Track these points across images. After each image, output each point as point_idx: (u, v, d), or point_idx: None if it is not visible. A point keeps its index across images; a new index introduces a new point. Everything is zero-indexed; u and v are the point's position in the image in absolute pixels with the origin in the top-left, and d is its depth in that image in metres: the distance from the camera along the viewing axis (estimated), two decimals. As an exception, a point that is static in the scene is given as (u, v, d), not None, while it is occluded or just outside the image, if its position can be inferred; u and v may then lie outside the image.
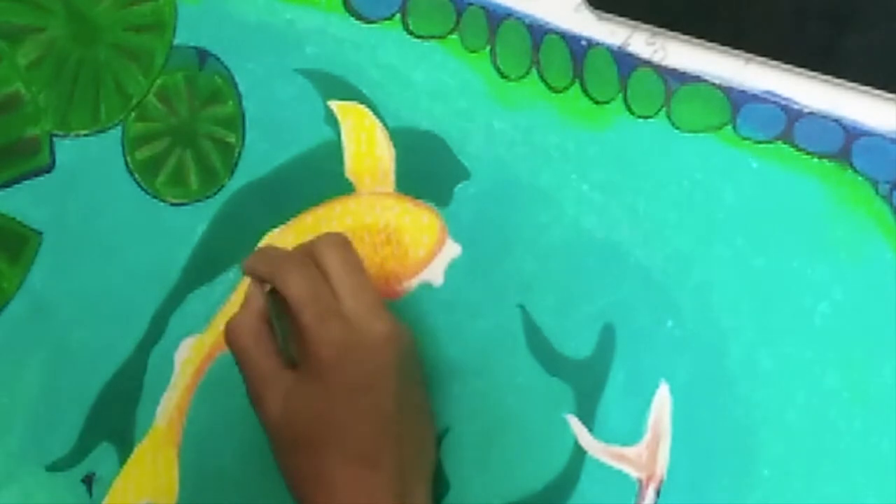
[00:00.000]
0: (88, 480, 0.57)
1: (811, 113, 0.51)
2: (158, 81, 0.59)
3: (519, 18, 0.55)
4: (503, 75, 0.55)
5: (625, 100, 0.54)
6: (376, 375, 0.49)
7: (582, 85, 0.54)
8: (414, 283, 0.56)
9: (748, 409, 0.51)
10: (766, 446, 0.50)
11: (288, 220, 0.57)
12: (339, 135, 0.57)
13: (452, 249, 0.56)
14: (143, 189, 0.58)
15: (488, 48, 0.56)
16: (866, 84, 0.50)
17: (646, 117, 0.53)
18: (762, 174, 0.52)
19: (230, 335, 0.51)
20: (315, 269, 0.51)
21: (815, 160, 0.51)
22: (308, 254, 0.51)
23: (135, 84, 0.59)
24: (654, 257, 0.53)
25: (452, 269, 0.55)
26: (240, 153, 0.58)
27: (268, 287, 0.52)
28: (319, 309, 0.49)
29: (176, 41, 0.59)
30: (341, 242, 0.52)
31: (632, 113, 0.54)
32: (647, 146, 0.53)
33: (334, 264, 0.51)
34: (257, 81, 0.58)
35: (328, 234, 0.52)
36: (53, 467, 0.57)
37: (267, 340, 0.51)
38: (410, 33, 0.57)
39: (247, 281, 0.57)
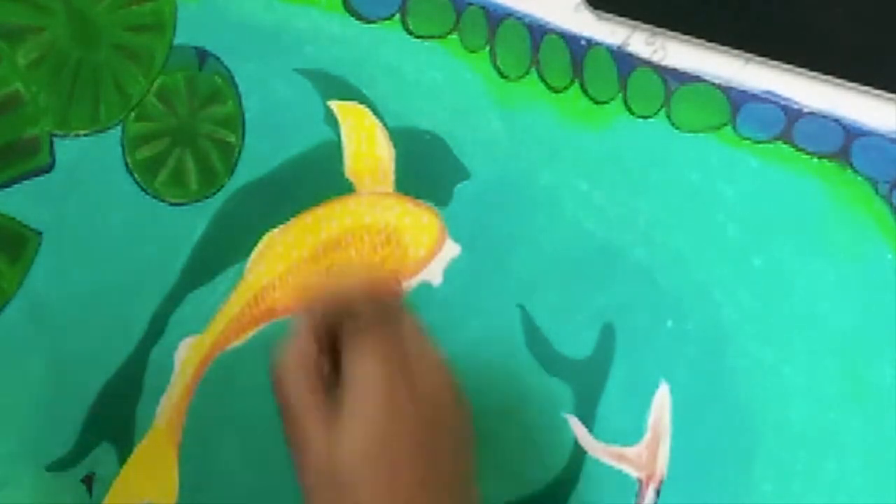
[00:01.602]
0: (88, 480, 0.57)
1: (811, 113, 0.51)
2: (158, 81, 0.59)
3: (519, 18, 0.55)
4: (503, 75, 0.55)
5: (624, 99, 0.54)
6: (432, 441, 0.47)
7: (581, 85, 0.54)
8: (413, 282, 0.56)
9: (748, 409, 0.51)
10: (766, 446, 0.50)
11: (288, 220, 0.57)
12: (338, 135, 0.57)
13: (452, 249, 0.56)
14: (142, 189, 0.58)
15: (488, 48, 0.56)
16: (866, 84, 0.50)
17: (645, 117, 0.53)
18: (762, 174, 0.52)
19: (275, 376, 0.48)
20: (386, 306, 0.48)
21: (815, 160, 0.51)
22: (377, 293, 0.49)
23: (134, 84, 0.59)
24: (654, 257, 0.53)
25: (452, 269, 0.55)
26: (239, 153, 0.58)
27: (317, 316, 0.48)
28: (381, 340, 0.47)
29: (176, 41, 0.59)
30: (407, 310, 0.49)
31: (631, 113, 0.54)
32: (646, 146, 0.53)
33: (404, 318, 0.48)
34: (257, 81, 0.58)
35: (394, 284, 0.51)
36: (53, 467, 0.57)
37: (315, 389, 0.47)
38: (410, 33, 0.57)
39: (248, 278, 0.57)
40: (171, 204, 0.58)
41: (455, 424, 0.48)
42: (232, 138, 0.58)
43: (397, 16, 0.57)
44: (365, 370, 0.47)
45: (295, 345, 0.48)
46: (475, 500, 0.50)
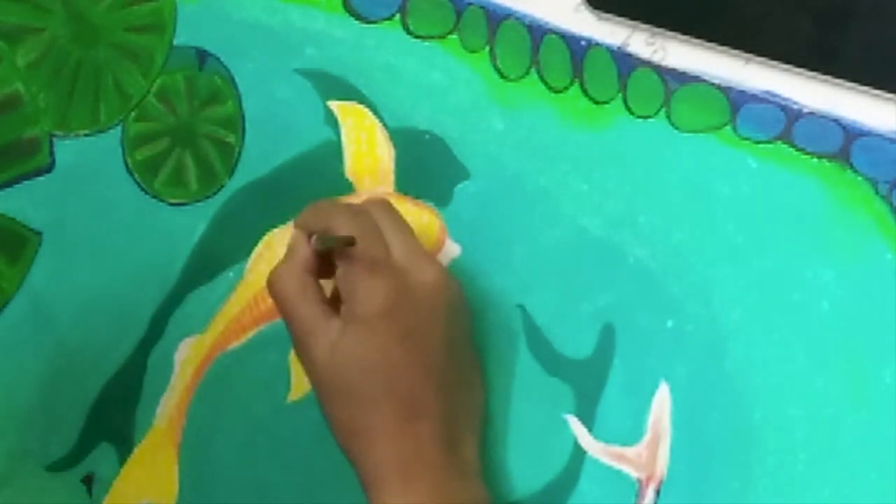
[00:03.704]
0: (88, 480, 0.57)
1: (810, 113, 0.51)
2: (158, 82, 0.59)
3: (518, 18, 0.55)
4: (503, 75, 0.55)
5: (624, 100, 0.54)
6: (426, 324, 0.50)
7: (581, 85, 0.54)
8: (414, 283, 0.55)
9: (748, 409, 0.51)
10: (766, 446, 0.50)
11: (288, 220, 0.57)
12: (338, 135, 0.57)
13: (452, 249, 0.56)
14: (142, 189, 0.58)
15: (488, 48, 0.56)
16: (866, 84, 0.50)
17: (645, 117, 0.53)
18: (762, 174, 0.52)
19: (274, 285, 0.51)
20: (369, 217, 0.51)
21: (815, 160, 0.51)
22: (359, 208, 0.52)
23: (134, 84, 0.59)
24: (654, 257, 0.53)
25: (452, 268, 0.55)
26: (239, 153, 0.58)
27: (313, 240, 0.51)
28: (372, 255, 0.50)
29: (176, 41, 0.59)
30: (389, 204, 0.53)
31: (631, 113, 0.54)
32: (646, 146, 0.53)
33: (385, 218, 0.52)
34: (257, 81, 0.58)
35: (376, 197, 0.54)
36: (53, 467, 0.57)
37: (313, 290, 0.50)
38: (410, 33, 0.57)
39: (249, 278, 0.57)
40: (171, 204, 0.58)
41: (447, 309, 0.51)
42: (232, 138, 0.58)
43: (397, 16, 0.57)
44: (362, 281, 0.49)
45: (290, 255, 0.51)
46: (472, 370, 0.53)
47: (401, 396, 0.49)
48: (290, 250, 0.51)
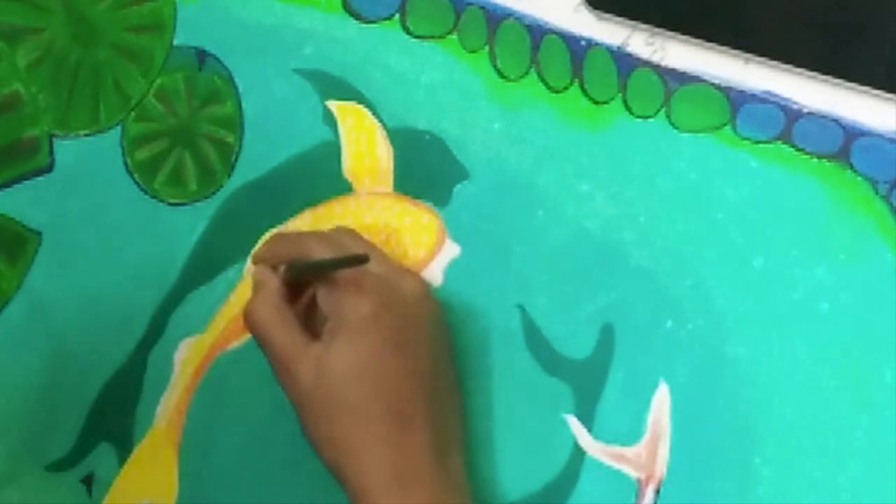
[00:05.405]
0: (88, 481, 0.58)
1: (810, 113, 0.51)
2: (158, 82, 0.59)
3: (518, 18, 0.55)
4: (502, 75, 0.55)
5: (624, 100, 0.54)
6: (413, 333, 0.50)
7: (581, 85, 0.54)
8: (413, 283, 0.56)
9: (748, 409, 0.51)
10: (766, 446, 0.50)
11: (286, 219, 0.57)
12: (337, 135, 0.57)
13: (452, 249, 0.56)
14: (142, 189, 0.59)
15: (487, 48, 0.56)
16: (866, 84, 0.50)
17: (645, 117, 0.53)
18: (761, 174, 0.52)
19: (251, 318, 0.51)
20: (339, 240, 0.52)
21: (815, 160, 0.51)
22: (326, 234, 0.53)
23: (134, 84, 0.59)
24: (654, 257, 0.53)
25: (452, 269, 0.55)
26: (238, 153, 0.58)
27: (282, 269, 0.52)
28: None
29: (175, 41, 0.59)
30: (355, 231, 0.54)
31: (631, 113, 0.54)
32: (646, 146, 0.53)
33: (355, 242, 0.52)
34: (256, 82, 0.58)
35: (338, 227, 0.54)
36: (53, 467, 0.58)
37: (291, 317, 0.51)
38: (409, 33, 0.57)
39: (248, 278, 0.57)
40: (171, 204, 0.59)
41: (431, 318, 0.52)
42: (231, 138, 0.58)
43: (397, 16, 0.57)
44: (348, 292, 0.50)
45: (261, 288, 0.52)
46: (454, 381, 0.53)
47: (392, 406, 0.49)
48: (259, 284, 0.52)
